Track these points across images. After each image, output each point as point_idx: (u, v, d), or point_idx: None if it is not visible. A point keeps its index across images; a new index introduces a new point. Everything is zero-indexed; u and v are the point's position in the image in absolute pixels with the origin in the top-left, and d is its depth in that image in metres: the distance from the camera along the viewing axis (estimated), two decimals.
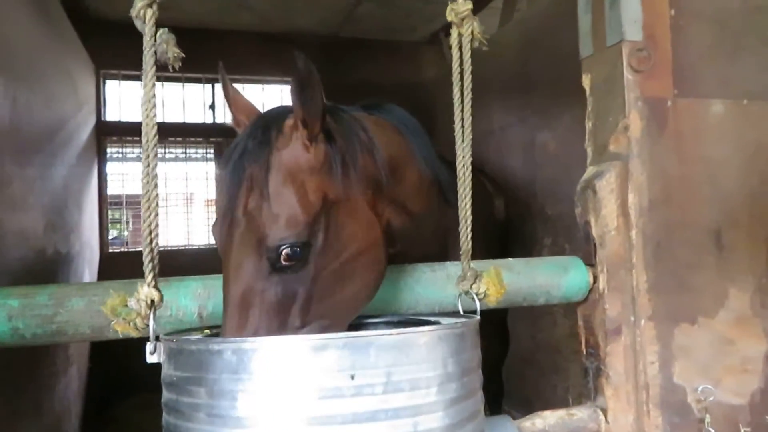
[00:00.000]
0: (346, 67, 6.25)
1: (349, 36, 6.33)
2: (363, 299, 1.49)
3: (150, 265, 1.19)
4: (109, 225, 6.41)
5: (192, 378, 1.06)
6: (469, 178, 1.42)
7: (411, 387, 1.05)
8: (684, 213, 1.91)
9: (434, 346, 1.09)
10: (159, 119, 1.23)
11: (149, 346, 1.15)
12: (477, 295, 1.43)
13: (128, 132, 5.90)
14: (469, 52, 1.45)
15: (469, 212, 1.42)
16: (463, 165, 1.43)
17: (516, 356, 3.68)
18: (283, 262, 1.32)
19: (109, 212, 6.27)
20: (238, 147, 1.42)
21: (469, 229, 1.43)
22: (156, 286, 1.20)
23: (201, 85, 6.12)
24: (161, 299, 1.20)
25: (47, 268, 3.56)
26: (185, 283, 1.53)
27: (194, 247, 6.21)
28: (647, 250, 1.86)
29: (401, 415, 1.04)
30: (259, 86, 6.27)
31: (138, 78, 5.74)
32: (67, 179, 4.20)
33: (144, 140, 1.20)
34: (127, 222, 6.76)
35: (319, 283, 1.37)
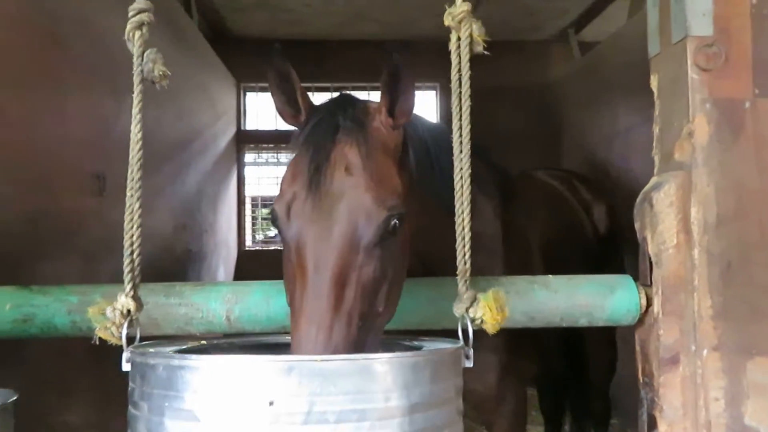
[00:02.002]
0: (471, 71, 6.19)
1: None
2: (401, 290, 1.47)
3: (130, 275, 1.28)
4: (260, 224, 6.96)
5: (135, 390, 1.11)
6: (468, 191, 1.34)
7: (337, 419, 0.99)
8: (764, 231, 1.66)
9: (371, 377, 1.02)
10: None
11: (124, 355, 1.20)
12: (473, 320, 1.31)
13: (265, 139, 6.38)
14: (468, 56, 1.39)
15: (467, 228, 1.33)
16: (461, 177, 1.36)
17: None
18: (385, 235, 1.30)
19: (256, 211, 6.83)
20: (324, 124, 1.42)
21: (467, 246, 1.34)
22: (134, 296, 1.28)
23: (329, 93, 6.44)
24: (138, 309, 1.27)
25: (176, 266, 4.00)
26: (216, 288, 1.66)
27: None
28: (713, 271, 1.64)
29: None
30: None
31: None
32: (201, 184, 4.67)
33: (131, 153, 1.32)
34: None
35: (398, 265, 1.39)
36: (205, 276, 4.67)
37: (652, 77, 1.86)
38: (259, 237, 7.18)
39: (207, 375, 1.02)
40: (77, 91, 2.59)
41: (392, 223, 1.31)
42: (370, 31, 6.05)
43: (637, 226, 1.77)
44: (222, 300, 1.63)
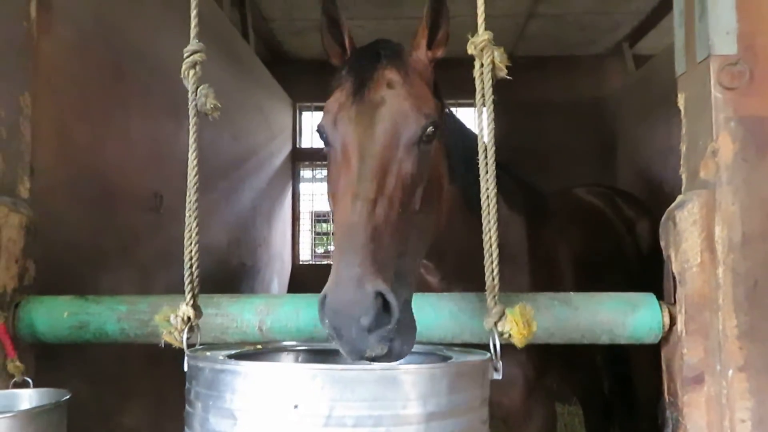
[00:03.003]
0: (522, 86, 6.15)
1: (524, 54, 6.27)
2: (437, 229, 1.63)
3: (189, 286, 1.44)
4: (315, 239, 7.17)
5: (190, 389, 1.24)
6: (494, 210, 1.38)
7: (354, 423, 1.06)
8: None
9: (388, 385, 1.09)
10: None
11: (185, 359, 1.34)
12: (501, 334, 1.36)
13: (320, 157, 6.57)
14: (491, 83, 1.46)
15: (495, 245, 1.38)
16: (487, 197, 1.41)
17: None
18: (422, 140, 1.48)
19: (317, 226, 7.03)
20: (366, 53, 1.62)
21: (495, 263, 1.39)
22: (194, 305, 1.43)
23: None
24: (198, 316, 1.42)
25: (231, 279, 4.20)
26: (251, 300, 1.77)
27: None
28: (738, 290, 1.63)
29: None
30: None
31: None
32: (255, 200, 4.88)
33: (189, 178, 1.47)
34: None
35: (431, 177, 1.54)
36: (258, 288, 4.87)
37: (679, 96, 1.87)
38: (320, 250, 7.40)
39: (243, 378, 1.14)
40: (139, 116, 2.81)
41: (428, 129, 1.49)
42: None
43: (662, 244, 1.78)
44: (255, 311, 1.75)
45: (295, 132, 6.56)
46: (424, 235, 1.54)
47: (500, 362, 1.32)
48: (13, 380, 1.65)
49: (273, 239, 5.44)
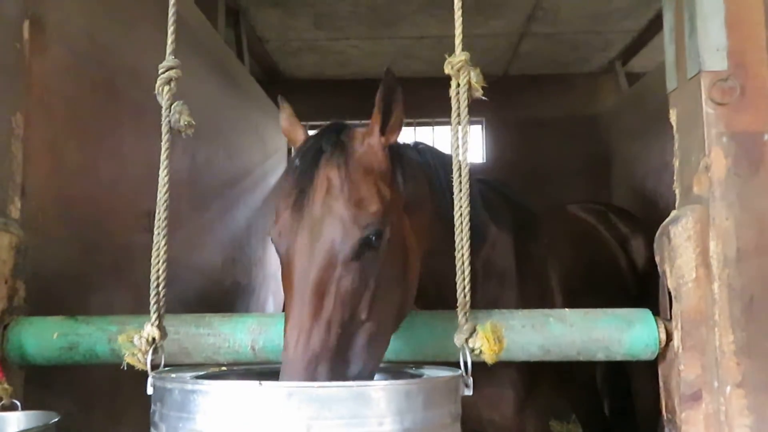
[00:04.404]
0: (516, 105, 6.25)
1: (518, 73, 6.32)
2: (406, 306, 1.58)
3: (155, 306, 1.42)
4: None
5: (156, 411, 1.22)
6: (467, 227, 1.42)
7: None
8: None
9: (365, 402, 1.09)
10: None
11: (149, 380, 1.33)
12: (472, 350, 1.38)
13: None
14: (466, 102, 1.47)
15: (467, 263, 1.41)
16: (461, 215, 1.43)
17: None
18: (363, 250, 1.43)
19: None
20: (310, 150, 1.57)
21: (467, 280, 1.41)
22: (159, 325, 1.41)
23: None
24: (163, 337, 1.40)
25: (225, 298, 4.17)
26: (243, 319, 1.75)
27: None
28: (735, 306, 1.62)
29: None
30: (429, 128, 6.55)
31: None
32: (250, 219, 4.86)
33: (158, 195, 1.45)
34: None
35: (384, 278, 1.48)
36: (253, 308, 4.82)
37: (671, 111, 1.88)
38: None
39: (216, 399, 1.11)
40: (132, 135, 2.80)
41: (369, 240, 1.43)
42: (416, 69, 6.19)
43: (657, 259, 1.77)
44: (248, 331, 1.73)
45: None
46: (384, 323, 1.49)
47: (471, 378, 1.33)
48: (1, 403, 1.61)
49: (268, 258, 5.41)
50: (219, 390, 1.12)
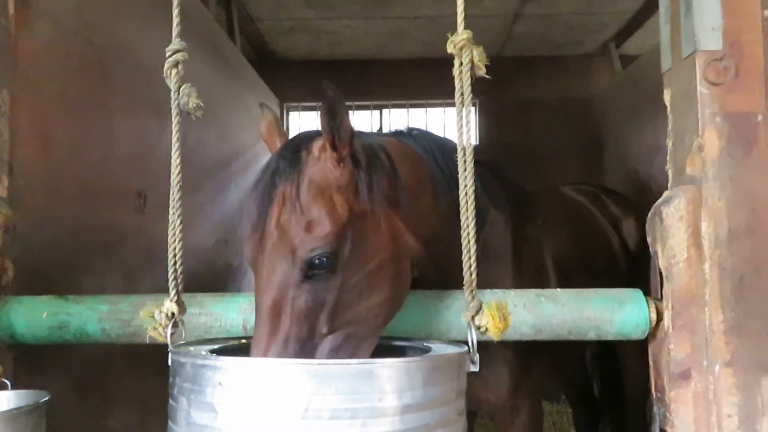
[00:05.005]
0: (510, 87, 6.22)
1: (512, 55, 6.29)
2: (388, 310, 1.56)
3: (174, 282, 1.43)
4: None
5: (173, 383, 1.24)
6: (472, 206, 1.42)
7: (331, 416, 1.09)
8: None
9: (363, 380, 1.11)
10: None
11: (169, 354, 1.36)
12: (478, 328, 1.40)
13: None
14: (470, 81, 1.45)
15: (473, 241, 1.42)
16: (465, 194, 1.43)
17: None
18: (314, 271, 1.43)
19: None
20: (270, 167, 1.56)
21: (473, 258, 1.42)
22: (178, 301, 1.42)
23: (369, 111, 6.57)
24: (182, 311, 1.42)
25: (217, 279, 4.16)
26: (234, 299, 1.75)
27: None
28: (725, 286, 1.63)
29: None
30: (422, 109, 6.53)
31: (314, 108, 6.38)
32: (243, 201, 4.84)
33: (172, 176, 1.45)
34: None
35: (346, 292, 1.47)
36: (245, 289, 4.82)
37: (665, 92, 1.87)
38: None
39: (223, 373, 1.15)
40: (121, 114, 2.77)
41: (317, 262, 1.43)
42: (411, 50, 6.15)
43: (649, 240, 1.77)
44: (239, 310, 1.72)
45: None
46: (361, 328, 1.49)
47: (477, 355, 1.35)
48: None
49: None
50: (225, 365, 1.16)
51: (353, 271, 1.49)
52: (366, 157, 1.63)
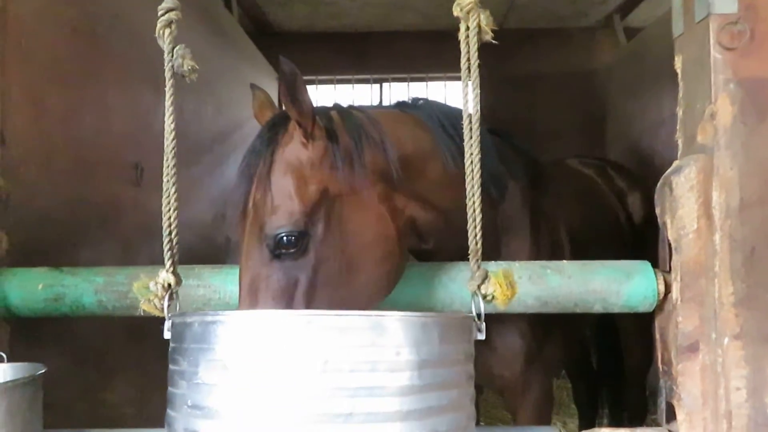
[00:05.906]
0: (513, 59, 6.11)
1: (515, 27, 6.17)
2: (376, 292, 1.53)
3: (169, 253, 1.39)
4: None
5: (176, 348, 1.21)
6: (478, 176, 1.38)
7: (351, 369, 1.06)
8: None
9: (382, 332, 1.09)
10: None
11: (165, 324, 1.33)
12: (485, 297, 1.38)
13: None
14: (476, 46, 1.40)
15: (478, 211, 1.38)
16: (471, 162, 1.39)
17: None
18: (281, 250, 1.43)
19: None
20: (250, 147, 1.57)
21: (478, 227, 1.39)
22: (174, 272, 1.39)
23: (369, 85, 6.47)
24: (178, 283, 1.39)
25: (215, 254, 4.12)
26: (233, 271, 1.71)
27: None
28: (735, 257, 1.59)
29: (338, 395, 1.06)
30: (423, 83, 6.43)
31: (313, 82, 6.28)
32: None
33: (166, 142, 1.40)
34: None
35: (322, 272, 1.45)
36: None
37: (676, 58, 1.81)
38: None
39: (234, 328, 1.12)
40: (116, 84, 2.70)
41: (284, 241, 1.44)
42: (411, 22, 6.04)
43: (657, 211, 1.73)
44: (238, 282, 1.68)
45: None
46: (345, 304, 1.47)
47: (483, 324, 1.33)
48: None
49: None
50: (237, 319, 1.14)
51: (330, 252, 1.48)
52: (347, 132, 1.58)
